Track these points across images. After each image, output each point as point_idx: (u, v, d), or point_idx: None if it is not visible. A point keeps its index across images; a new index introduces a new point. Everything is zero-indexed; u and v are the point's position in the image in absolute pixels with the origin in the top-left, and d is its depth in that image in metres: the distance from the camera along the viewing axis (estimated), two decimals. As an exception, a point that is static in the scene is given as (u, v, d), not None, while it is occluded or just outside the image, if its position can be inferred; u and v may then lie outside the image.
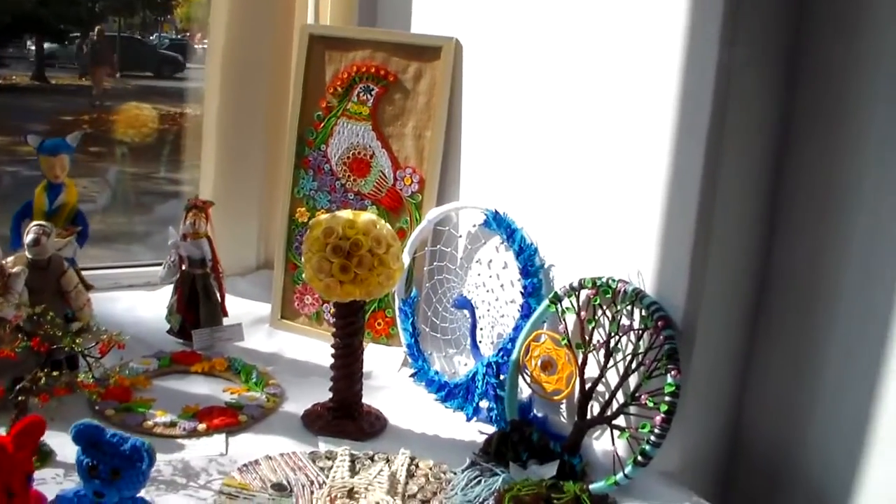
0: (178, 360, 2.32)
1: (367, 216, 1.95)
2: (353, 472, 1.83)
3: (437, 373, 2.31)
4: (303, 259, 1.97)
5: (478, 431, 2.12)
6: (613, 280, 1.88)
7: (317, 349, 2.40)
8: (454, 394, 2.23)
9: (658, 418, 1.73)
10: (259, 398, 2.13)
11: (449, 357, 2.38)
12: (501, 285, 2.22)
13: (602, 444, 1.95)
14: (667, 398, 1.73)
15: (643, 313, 1.83)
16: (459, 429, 2.14)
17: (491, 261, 2.25)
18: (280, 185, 2.64)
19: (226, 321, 2.49)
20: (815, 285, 1.81)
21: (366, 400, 2.13)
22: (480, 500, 1.77)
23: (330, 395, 2.06)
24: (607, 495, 1.80)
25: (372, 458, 1.89)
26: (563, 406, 2.09)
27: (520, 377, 2.07)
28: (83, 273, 2.46)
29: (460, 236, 2.33)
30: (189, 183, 2.97)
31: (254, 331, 2.57)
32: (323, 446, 1.95)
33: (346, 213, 1.94)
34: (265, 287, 2.75)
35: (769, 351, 1.92)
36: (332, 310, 2.07)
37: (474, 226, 2.29)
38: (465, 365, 2.31)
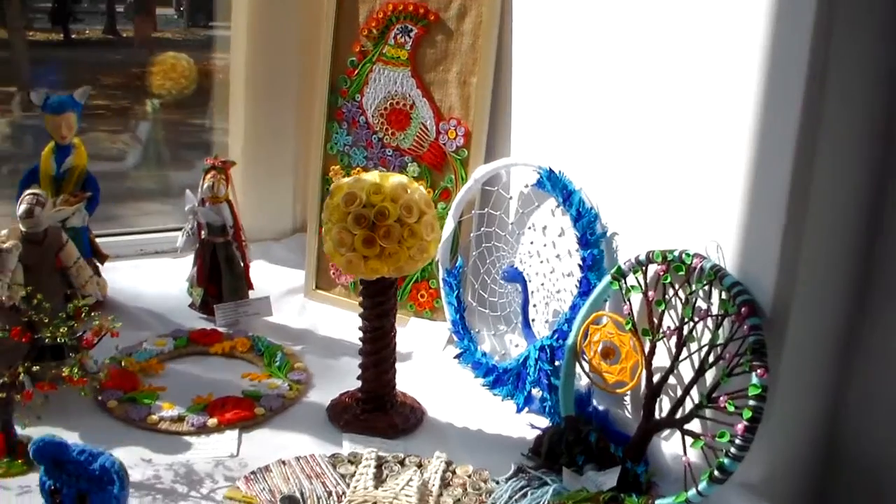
0: (197, 339, 2.08)
1: (397, 179, 1.66)
2: (379, 479, 1.57)
3: (485, 354, 2.03)
4: (322, 230, 1.70)
5: (528, 425, 1.84)
6: (688, 254, 1.56)
7: (353, 324, 2.13)
8: (503, 380, 1.95)
9: (740, 426, 1.42)
10: (281, 386, 1.87)
11: (500, 336, 2.10)
12: (557, 255, 1.93)
13: (672, 446, 1.65)
14: (751, 402, 1.42)
15: (723, 296, 1.52)
16: (508, 422, 1.86)
17: (546, 227, 1.95)
18: (313, 140, 2.37)
19: (252, 294, 2.24)
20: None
21: (403, 385, 1.87)
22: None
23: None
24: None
25: (402, 462, 1.63)
26: (628, 399, 1.80)
27: (577, 365, 1.78)
28: (100, 241, 2.25)
29: (511, 198, 2.04)
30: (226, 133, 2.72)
31: (285, 303, 2.32)
32: (348, 445, 1.69)
33: (371, 176, 1.66)
34: (304, 252, 2.49)
35: (872, 345, 1.59)
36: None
37: (527, 186, 1.98)
38: (518, 346, 2.03)
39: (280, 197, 2.64)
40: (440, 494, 1.55)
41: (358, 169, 2.24)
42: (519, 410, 1.90)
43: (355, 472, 1.58)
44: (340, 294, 2.30)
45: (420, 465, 1.62)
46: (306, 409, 1.84)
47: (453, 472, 1.61)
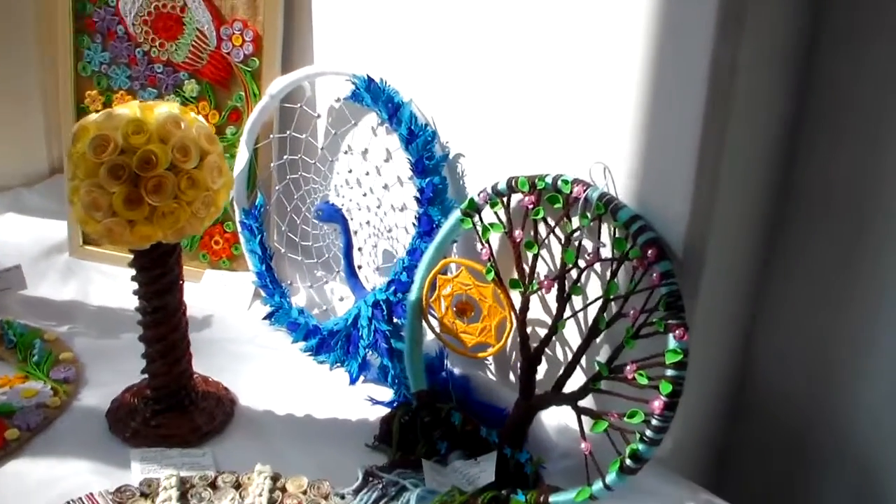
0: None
1: (164, 110, 1.21)
2: (185, 516, 1.17)
3: (302, 312, 1.63)
4: (66, 186, 1.23)
5: (368, 399, 1.47)
6: (565, 181, 1.20)
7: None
8: (329, 344, 1.57)
9: (658, 403, 1.10)
10: (41, 392, 1.41)
11: (319, 287, 1.70)
12: (385, 185, 1.54)
13: (554, 415, 1.33)
14: (669, 372, 1.10)
15: (617, 234, 1.18)
16: (341, 398, 1.49)
17: (366, 150, 1.55)
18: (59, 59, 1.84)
19: (-7, 264, 1.74)
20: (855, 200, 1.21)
21: (201, 367, 1.45)
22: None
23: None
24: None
25: (213, 485, 1.23)
26: (491, 360, 1.46)
27: (424, 326, 1.42)
28: None
29: (318, 116, 1.62)
30: None
31: (44, 268, 1.82)
32: (138, 469, 1.27)
33: (128, 110, 1.20)
34: (65, 199, 1.97)
35: (785, 290, 1.32)
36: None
37: (338, 100, 1.57)
38: (344, 300, 1.65)
39: (27, 133, 2.08)
40: (270, 526, 1.17)
41: (121, 93, 1.75)
42: (353, 381, 1.53)
43: (151, 510, 1.17)
44: (116, 249, 1.82)
45: (238, 486, 1.23)
46: (78, 420, 1.38)
47: (283, 490, 1.23)
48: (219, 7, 1.65)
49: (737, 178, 1.18)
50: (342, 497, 1.22)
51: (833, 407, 1.33)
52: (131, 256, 1.28)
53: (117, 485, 1.21)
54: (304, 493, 1.22)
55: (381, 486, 1.24)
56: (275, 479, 1.24)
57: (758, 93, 1.15)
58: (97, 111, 1.71)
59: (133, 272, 1.29)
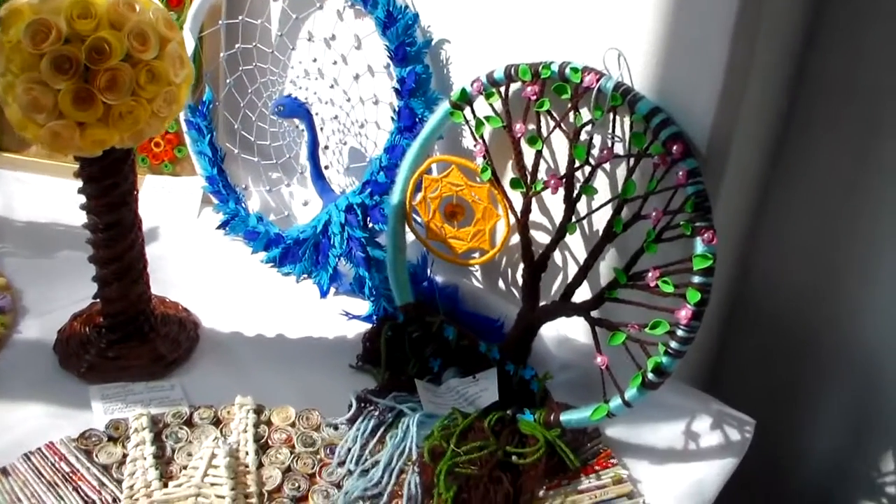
0: None
1: (113, -12, 1.02)
2: (163, 460, 1.03)
3: (261, 219, 1.48)
4: (-3, 84, 1.04)
5: (343, 314, 1.34)
6: (575, 69, 1.06)
7: (66, 195, 1.48)
8: (295, 253, 1.42)
9: (685, 313, 0.99)
10: (-28, 323, 1.24)
11: (276, 191, 1.54)
12: (356, 76, 1.37)
13: (552, 326, 1.22)
14: (696, 279, 0.99)
15: (635, 129, 1.05)
16: (316, 314, 1.35)
17: (333, 37, 1.37)
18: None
19: None
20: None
21: (153, 287, 1.26)
22: (389, 478, 1.04)
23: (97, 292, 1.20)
24: (592, 430, 1.11)
25: (189, 422, 1.09)
26: (477, 267, 1.33)
27: (407, 230, 1.28)
28: None
29: (274, -1, 1.43)
30: None
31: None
32: (100, 408, 1.12)
33: (68, -14, 1.00)
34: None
35: (794, 189, 1.23)
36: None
37: (297, -21, 1.39)
38: (308, 204, 1.49)
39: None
40: (260, 465, 1.04)
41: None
42: (323, 294, 1.39)
43: (124, 456, 1.03)
44: (39, 155, 1.62)
45: (218, 422, 1.09)
46: (22, 355, 1.20)
47: (269, 424, 1.10)
48: None
49: (765, 66, 1.06)
50: (335, 428, 1.10)
51: (836, 311, 1.27)
52: (61, 163, 1.09)
53: (79, 429, 1.06)
54: (293, 425, 1.10)
55: (376, 412, 1.12)
56: (258, 411, 1.11)
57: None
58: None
59: (80, 183, 1.11)
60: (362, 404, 1.14)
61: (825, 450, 1.34)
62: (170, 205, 1.55)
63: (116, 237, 1.13)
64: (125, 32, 0.98)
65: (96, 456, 1.02)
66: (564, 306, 1.13)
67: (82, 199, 1.12)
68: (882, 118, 1.12)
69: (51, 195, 1.55)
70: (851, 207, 1.19)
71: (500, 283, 1.31)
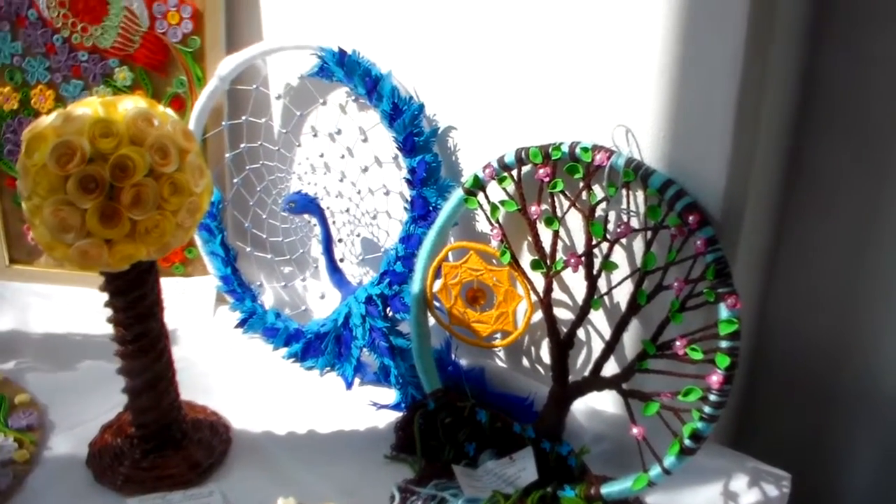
0: None
1: (131, 105, 1.03)
2: (209, 571, 1.03)
3: (279, 315, 1.48)
4: (24, 206, 1.05)
5: (371, 404, 1.35)
6: (585, 148, 1.09)
7: (80, 303, 1.52)
8: (316, 347, 1.43)
9: (716, 378, 1.00)
10: (3, 446, 1.22)
11: (291, 286, 1.55)
12: (364, 168, 1.39)
13: (581, 400, 1.22)
14: (723, 343, 1.00)
15: (649, 202, 1.07)
16: (343, 405, 1.36)
17: (339, 131, 1.40)
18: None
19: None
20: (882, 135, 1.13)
21: (181, 392, 1.27)
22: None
23: (125, 398, 1.20)
24: (633, 500, 1.12)
25: (232, 528, 1.09)
26: (500, 349, 1.34)
27: (430, 318, 1.29)
28: None
29: (279, 98, 1.45)
30: None
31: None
32: (138, 521, 1.11)
33: (89, 107, 1.02)
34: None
35: (811, 230, 1.26)
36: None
37: (301, 77, 1.41)
38: (325, 297, 1.50)
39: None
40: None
41: (40, 87, 1.54)
42: (349, 386, 1.39)
43: (169, 570, 1.02)
44: (51, 266, 1.63)
45: (260, 525, 1.09)
46: (55, 473, 1.19)
47: (313, 523, 1.10)
48: (149, -20, 1.47)
49: (771, 127, 1.09)
50: (378, 522, 1.10)
51: (856, 354, 1.28)
52: (71, 273, 1.10)
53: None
54: (338, 523, 1.09)
55: (419, 502, 1.12)
56: (300, 511, 1.10)
57: (790, 29, 1.06)
58: (12, 111, 1.53)
59: (97, 293, 1.12)
60: (405, 495, 1.14)
61: (861, 491, 1.34)
62: (184, 306, 1.56)
63: (145, 348, 1.14)
64: (146, 147, 1.00)
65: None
66: (596, 381, 1.14)
67: (98, 307, 1.12)
68: (888, 164, 1.15)
69: (65, 305, 1.56)
70: (863, 252, 1.21)
71: (525, 362, 1.31)
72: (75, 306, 1.55)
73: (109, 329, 1.14)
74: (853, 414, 1.31)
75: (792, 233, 1.27)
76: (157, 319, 1.14)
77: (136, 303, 1.11)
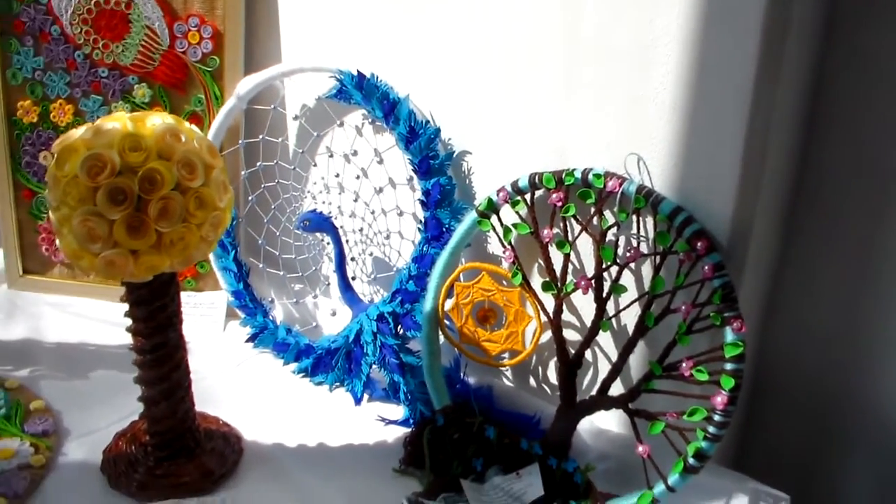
0: None
1: (159, 121, 1.07)
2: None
3: (290, 331, 1.51)
4: (52, 217, 1.08)
5: (379, 419, 1.37)
6: (597, 174, 1.12)
7: (93, 314, 1.54)
8: (326, 363, 1.46)
9: (720, 399, 1.04)
10: (20, 450, 1.25)
11: (302, 303, 1.58)
12: (378, 189, 1.42)
13: (588, 417, 1.25)
14: (728, 366, 1.04)
15: (659, 228, 1.10)
16: (353, 420, 1.38)
17: (354, 153, 1.43)
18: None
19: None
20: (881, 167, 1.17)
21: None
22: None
23: (140, 407, 1.22)
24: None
25: (245, 537, 1.11)
26: (507, 368, 1.37)
27: (441, 336, 1.32)
28: None
29: (296, 118, 1.49)
30: None
31: (-17, 306, 1.64)
32: (152, 528, 1.14)
33: (117, 122, 1.05)
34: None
35: (811, 261, 1.29)
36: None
37: (318, 99, 1.45)
38: (336, 315, 1.53)
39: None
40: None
41: (59, 102, 1.58)
42: (358, 402, 1.42)
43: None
44: (63, 277, 1.66)
45: (272, 535, 1.12)
46: (70, 478, 1.22)
47: (323, 534, 1.12)
48: (170, 1, 1.50)
49: (778, 157, 1.12)
50: (387, 535, 1.12)
51: (855, 379, 1.30)
52: (84, 283, 1.12)
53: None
54: (347, 534, 1.12)
55: (426, 518, 1.14)
56: (313, 522, 1.13)
57: (798, 66, 1.10)
58: (31, 123, 1.57)
59: (114, 304, 1.15)
60: (414, 504, 1.16)
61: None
62: (195, 320, 1.58)
63: (164, 358, 1.17)
64: (174, 162, 1.03)
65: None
66: (603, 400, 1.17)
67: (110, 318, 1.15)
68: (889, 196, 1.18)
69: (77, 315, 1.59)
70: (866, 277, 1.24)
71: (532, 381, 1.34)
72: (88, 317, 1.58)
73: (122, 339, 1.17)
74: (851, 438, 1.34)
75: (796, 258, 1.30)
76: (175, 330, 1.17)
77: (156, 313, 1.14)
